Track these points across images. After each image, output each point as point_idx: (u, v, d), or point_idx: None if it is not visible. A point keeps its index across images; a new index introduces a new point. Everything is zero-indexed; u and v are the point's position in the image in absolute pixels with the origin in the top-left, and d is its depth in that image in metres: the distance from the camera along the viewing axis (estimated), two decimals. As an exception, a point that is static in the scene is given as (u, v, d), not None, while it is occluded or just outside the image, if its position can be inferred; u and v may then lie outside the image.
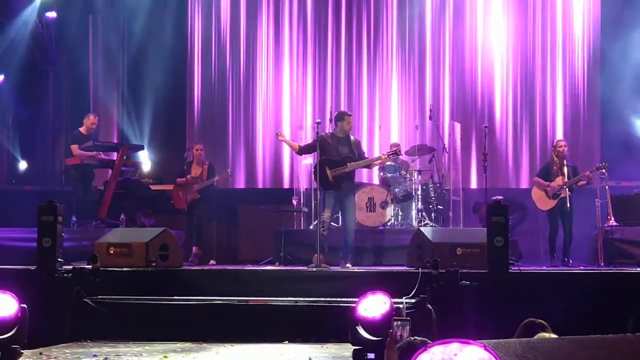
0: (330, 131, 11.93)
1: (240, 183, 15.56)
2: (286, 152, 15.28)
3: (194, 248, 12.81)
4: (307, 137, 14.19)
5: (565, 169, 12.00)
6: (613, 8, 14.76)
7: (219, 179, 13.33)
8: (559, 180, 11.93)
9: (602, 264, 11.65)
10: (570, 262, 11.75)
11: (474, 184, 14.75)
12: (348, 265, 10.86)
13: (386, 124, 15.22)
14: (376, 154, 13.65)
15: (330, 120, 13.23)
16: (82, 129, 13.30)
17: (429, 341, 3.27)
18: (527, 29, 15.21)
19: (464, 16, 15.38)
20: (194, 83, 15.97)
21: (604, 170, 12.09)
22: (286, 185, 15.29)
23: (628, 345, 3.54)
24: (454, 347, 2.98)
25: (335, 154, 11.10)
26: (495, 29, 15.29)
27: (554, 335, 4.28)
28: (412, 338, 3.87)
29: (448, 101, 15.31)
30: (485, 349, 2.96)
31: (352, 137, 11.38)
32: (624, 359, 3.44)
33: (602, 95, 14.79)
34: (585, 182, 11.97)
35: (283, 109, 15.65)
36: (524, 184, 14.76)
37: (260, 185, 15.57)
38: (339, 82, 15.57)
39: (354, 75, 15.56)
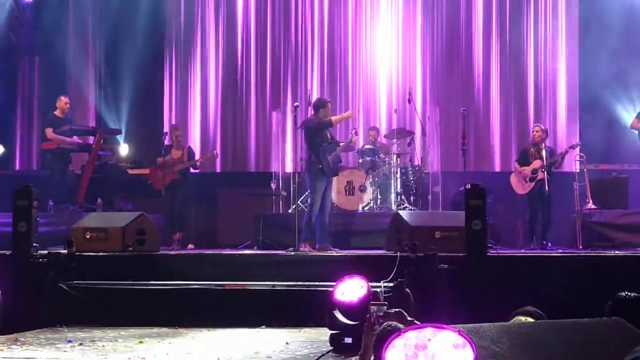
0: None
1: (218, 167, 15.46)
2: (262, 135, 15.25)
3: (177, 234, 12.71)
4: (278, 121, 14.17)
5: (543, 152, 12.03)
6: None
7: (203, 160, 13.31)
8: (536, 164, 11.96)
9: (581, 247, 11.67)
10: (549, 245, 11.77)
11: (452, 168, 14.68)
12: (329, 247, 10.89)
13: (366, 108, 15.16)
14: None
15: (309, 104, 13.14)
16: (56, 112, 13.13)
17: (403, 327, 3.24)
18: (507, 13, 15.11)
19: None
20: (171, 66, 15.82)
21: (579, 152, 12.16)
22: (264, 169, 15.19)
23: (604, 329, 3.52)
24: (428, 332, 2.96)
25: (327, 139, 11.21)
26: (479, 12, 15.18)
27: (530, 320, 4.26)
28: (387, 324, 3.83)
29: (428, 84, 15.19)
30: (460, 334, 2.93)
31: None
32: (599, 342, 3.42)
33: (581, 78, 14.76)
34: (558, 160, 12.07)
35: (250, 92, 15.53)
36: (503, 167, 14.73)
37: (238, 169, 15.44)
38: (312, 65, 15.43)
39: (336, 57, 15.41)
